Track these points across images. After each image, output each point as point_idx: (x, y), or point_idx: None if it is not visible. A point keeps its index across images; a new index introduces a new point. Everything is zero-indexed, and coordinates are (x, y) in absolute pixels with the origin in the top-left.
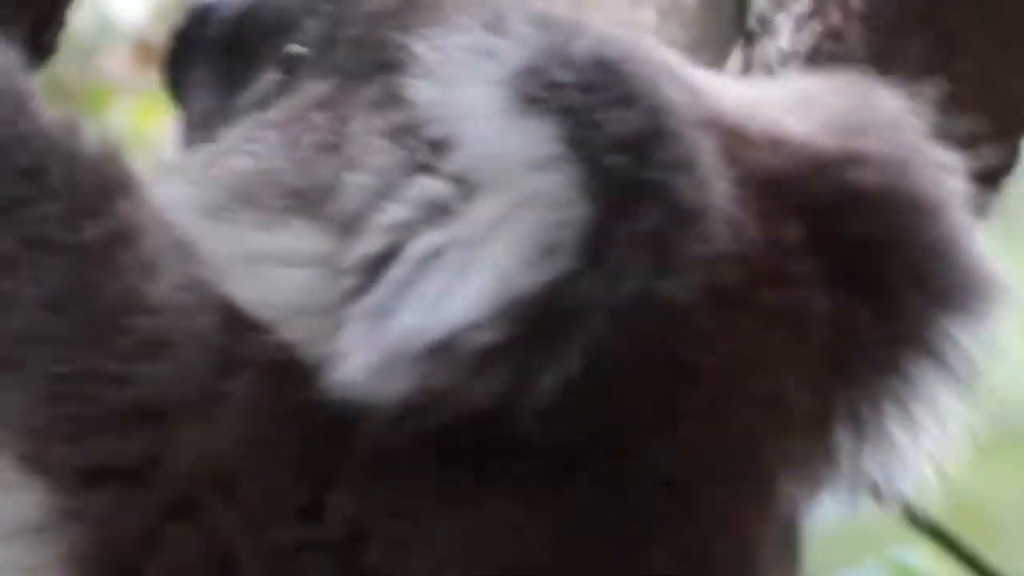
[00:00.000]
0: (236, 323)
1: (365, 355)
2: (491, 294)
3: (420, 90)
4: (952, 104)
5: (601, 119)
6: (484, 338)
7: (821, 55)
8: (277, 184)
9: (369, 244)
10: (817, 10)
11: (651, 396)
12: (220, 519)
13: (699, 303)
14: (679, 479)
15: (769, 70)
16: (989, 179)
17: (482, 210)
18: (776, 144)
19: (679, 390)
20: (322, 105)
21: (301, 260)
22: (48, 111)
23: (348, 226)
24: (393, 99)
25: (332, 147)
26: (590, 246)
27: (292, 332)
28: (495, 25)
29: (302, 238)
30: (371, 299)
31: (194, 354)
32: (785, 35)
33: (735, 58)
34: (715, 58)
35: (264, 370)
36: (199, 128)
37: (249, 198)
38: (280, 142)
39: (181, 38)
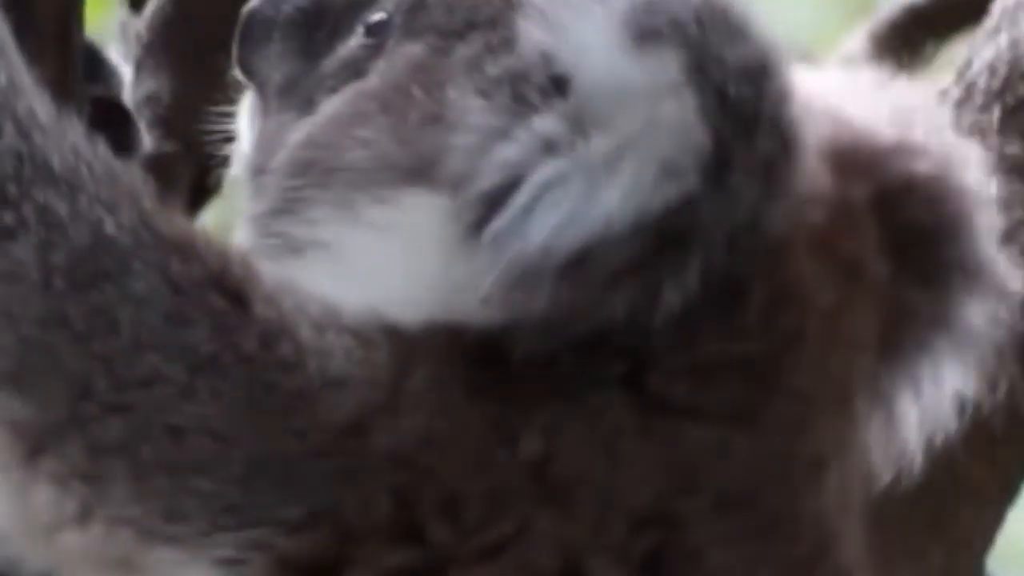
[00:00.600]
0: (373, 335)
1: (500, 278)
2: (623, 212)
3: (533, 34)
4: None
5: (720, 51)
6: (619, 253)
7: None
8: (386, 160)
9: (487, 180)
10: None
11: (770, 320)
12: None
13: (796, 236)
14: (807, 394)
15: None
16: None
17: (608, 138)
18: (843, 125)
19: (793, 317)
20: (419, 70)
21: (422, 230)
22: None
23: (460, 184)
24: (491, 53)
25: (435, 117)
26: (712, 168)
27: (426, 307)
28: None
29: (419, 207)
30: (498, 224)
31: (365, 378)
32: None
33: None
34: None
35: (425, 355)
36: (285, 95)
37: (359, 179)
38: (384, 120)
39: (255, 15)
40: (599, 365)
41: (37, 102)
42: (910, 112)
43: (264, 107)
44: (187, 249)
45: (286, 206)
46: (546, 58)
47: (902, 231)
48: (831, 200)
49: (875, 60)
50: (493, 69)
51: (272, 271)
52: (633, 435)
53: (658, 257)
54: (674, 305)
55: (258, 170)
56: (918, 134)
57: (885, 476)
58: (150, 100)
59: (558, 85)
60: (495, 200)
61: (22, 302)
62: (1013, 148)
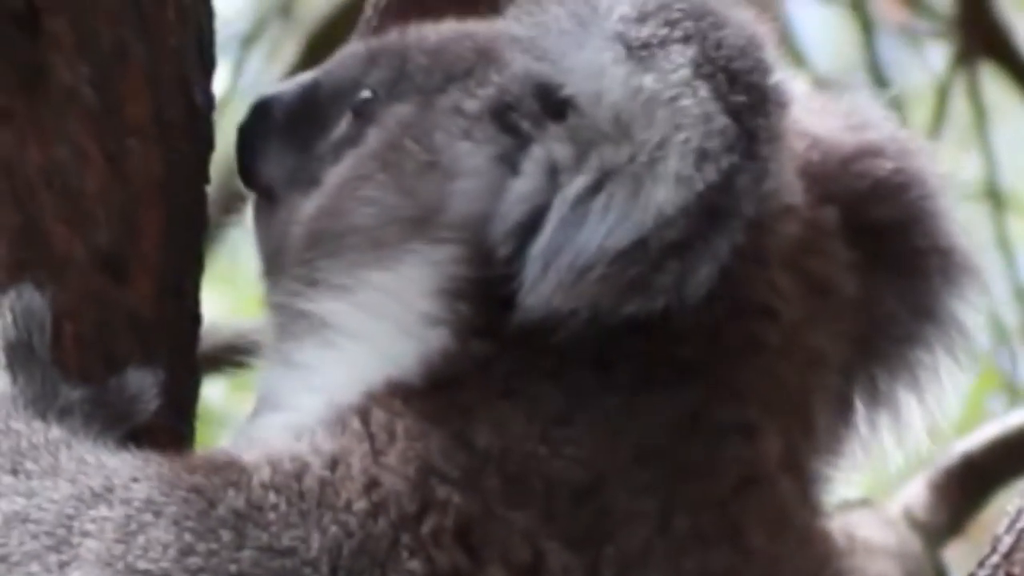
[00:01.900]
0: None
1: (553, 280)
2: (669, 203)
3: (522, 66)
4: None
5: (715, 39)
6: (668, 236)
7: None
8: (391, 214)
9: (512, 216)
10: None
11: (732, 327)
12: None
13: (772, 247)
14: (755, 398)
15: None
16: None
17: (637, 144)
18: (810, 140)
19: (757, 325)
20: (409, 126)
21: (433, 281)
22: None
23: (472, 226)
24: (471, 96)
25: (430, 164)
26: (740, 145)
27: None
28: None
29: (427, 260)
30: (542, 241)
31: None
32: None
33: None
34: None
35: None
36: (290, 184)
37: (368, 239)
38: (384, 176)
39: (248, 130)
40: (535, 358)
41: None
42: (863, 116)
43: (270, 204)
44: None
45: (303, 281)
46: (537, 87)
47: (874, 230)
48: (805, 217)
49: (934, 508)
50: (474, 108)
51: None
52: (569, 420)
53: (702, 234)
54: (711, 279)
55: (271, 257)
56: (874, 135)
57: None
58: None
59: (552, 111)
60: (526, 228)
61: None
62: None
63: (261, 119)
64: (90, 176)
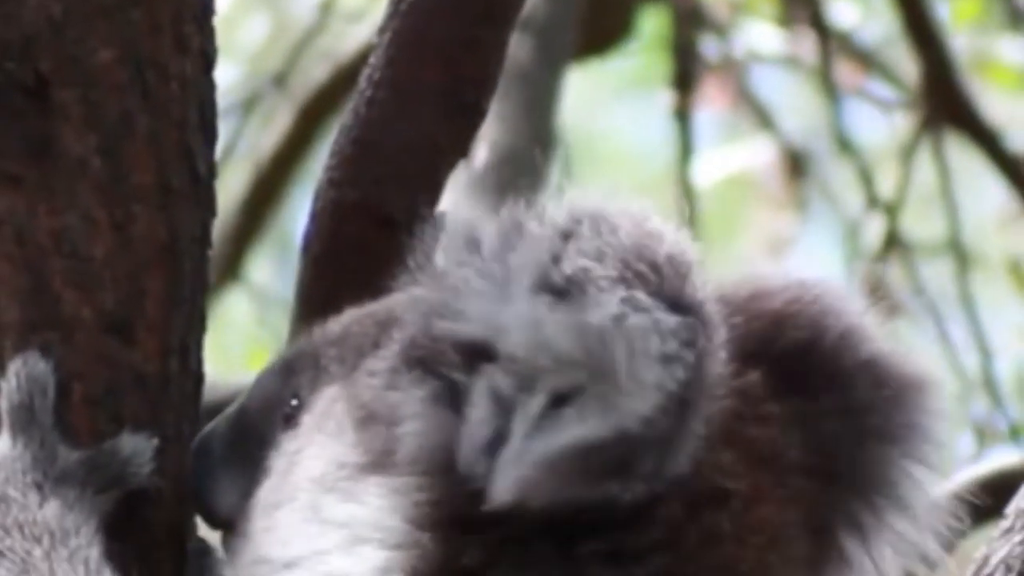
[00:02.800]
0: None
1: (526, 476)
2: (651, 402)
3: (445, 325)
4: None
5: (628, 247)
6: (652, 430)
7: None
8: (340, 461)
9: (474, 439)
10: None
11: (698, 518)
12: None
13: (712, 428)
14: None
15: None
16: None
17: (591, 369)
18: (736, 307)
19: (715, 511)
20: (337, 398)
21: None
22: None
23: (421, 460)
24: (383, 358)
25: (368, 418)
26: (695, 334)
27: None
28: (506, 239)
29: (392, 491)
30: (512, 449)
31: None
32: None
33: None
34: None
35: None
36: (247, 498)
37: (320, 483)
38: (323, 437)
39: (196, 474)
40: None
41: None
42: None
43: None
44: None
45: (262, 548)
46: (457, 344)
47: (789, 361)
48: (735, 387)
49: None
50: (385, 365)
51: None
52: None
53: (681, 424)
54: (686, 461)
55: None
56: (771, 277)
57: None
58: None
59: (480, 358)
60: (493, 444)
61: None
62: None
63: (204, 459)
64: (98, 242)
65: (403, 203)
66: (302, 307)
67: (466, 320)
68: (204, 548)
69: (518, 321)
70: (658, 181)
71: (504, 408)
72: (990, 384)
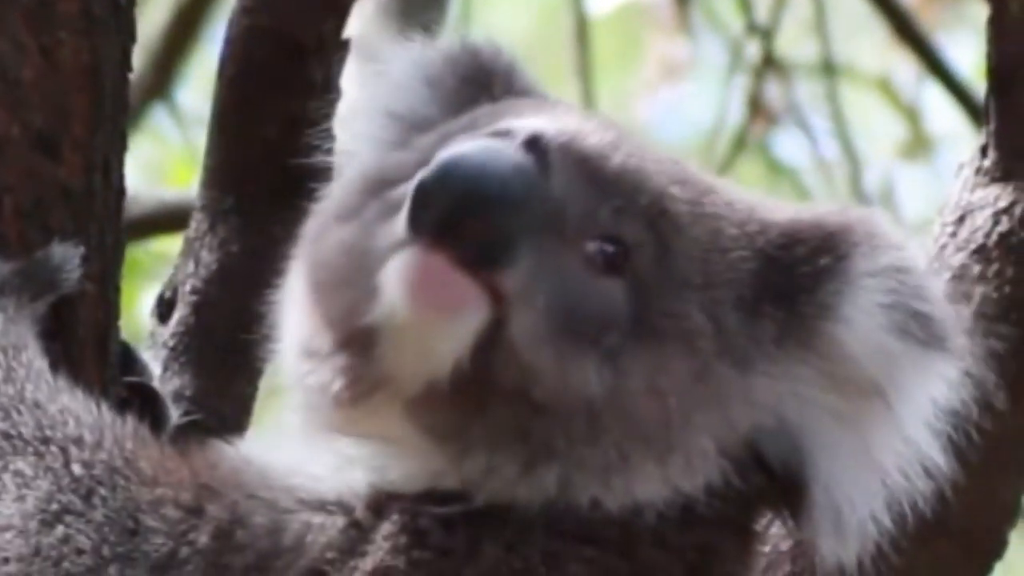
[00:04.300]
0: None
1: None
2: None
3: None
4: None
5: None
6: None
7: None
8: (704, 435)
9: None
10: None
11: None
12: None
13: None
14: None
15: None
16: None
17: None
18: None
19: None
20: (709, 338)
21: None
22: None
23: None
24: (744, 311)
25: (744, 391)
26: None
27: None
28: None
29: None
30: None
31: (324, 543)
32: None
33: None
34: None
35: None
36: (568, 324)
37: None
38: (703, 394)
39: (492, 206)
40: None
41: (37, 383)
42: None
43: (507, 312)
44: (154, 477)
45: (591, 447)
46: None
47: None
48: None
49: None
50: (759, 334)
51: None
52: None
53: None
54: None
55: (517, 390)
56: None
57: None
58: (175, 394)
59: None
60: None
61: (7, 546)
62: None
63: (510, 205)
64: (27, 66)
65: (311, 29)
66: (217, 124)
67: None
68: (129, 348)
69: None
70: (553, 12)
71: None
72: (858, 193)
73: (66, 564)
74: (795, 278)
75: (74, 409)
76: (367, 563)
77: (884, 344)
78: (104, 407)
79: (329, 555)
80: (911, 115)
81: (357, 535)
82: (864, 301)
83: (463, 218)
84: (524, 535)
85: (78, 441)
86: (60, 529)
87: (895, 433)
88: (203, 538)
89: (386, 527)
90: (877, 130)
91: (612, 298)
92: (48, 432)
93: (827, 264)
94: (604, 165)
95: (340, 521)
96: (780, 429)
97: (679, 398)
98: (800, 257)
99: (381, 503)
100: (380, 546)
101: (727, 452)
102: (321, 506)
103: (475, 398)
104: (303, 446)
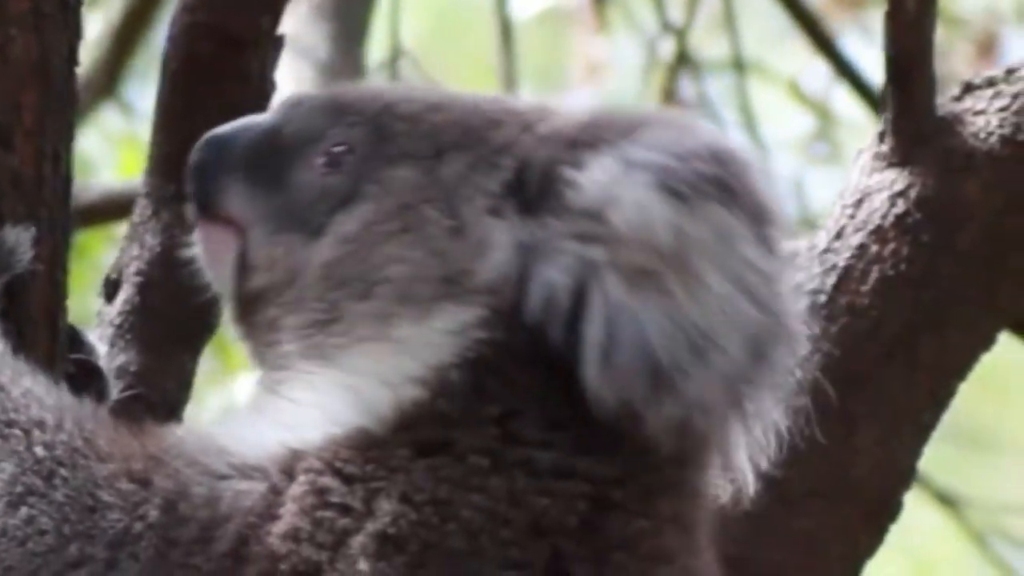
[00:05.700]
0: (265, 463)
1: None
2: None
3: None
4: None
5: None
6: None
7: None
8: (422, 271)
9: (554, 299)
10: None
11: None
12: None
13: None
14: None
15: None
16: None
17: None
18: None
19: None
20: (417, 190)
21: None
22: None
23: (493, 292)
24: (478, 172)
25: (455, 230)
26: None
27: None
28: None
29: (456, 319)
30: (594, 331)
31: (247, 507)
32: None
33: None
34: None
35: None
36: (264, 223)
37: (398, 291)
38: (409, 237)
39: (206, 163)
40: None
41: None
42: None
43: (234, 236)
44: (110, 453)
45: (327, 316)
46: (565, 185)
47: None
48: None
49: None
50: (494, 186)
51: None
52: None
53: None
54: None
55: (255, 289)
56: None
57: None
58: (121, 370)
59: (580, 214)
60: (570, 311)
61: None
62: None
63: (219, 154)
64: None
65: (248, 25)
66: (161, 118)
67: (582, 167)
68: (76, 330)
69: (633, 200)
70: (478, 15)
71: (586, 275)
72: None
73: (30, 544)
74: (555, 161)
75: (36, 392)
76: (279, 527)
77: (645, 200)
78: (64, 389)
79: (251, 520)
80: (820, 110)
81: (273, 499)
82: (618, 163)
83: (193, 181)
84: (415, 487)
85: (40, 424)
86: (24, 510)
87: (690, 285)
88: (153, 512)
89: (294, 488)
90: (787, 125)
91: (332, 187)
92: (12, 415)
93: (587, 142)
94: (341, 97)
95: (261, 486)
96: (552, 289)
97: (387, 247)
98: (564, 142)
99: (291, 464)
100: (289, 508)
101: (492, 305)
102: (248, 471)
103: (262, 322)
104: (247, 409)
